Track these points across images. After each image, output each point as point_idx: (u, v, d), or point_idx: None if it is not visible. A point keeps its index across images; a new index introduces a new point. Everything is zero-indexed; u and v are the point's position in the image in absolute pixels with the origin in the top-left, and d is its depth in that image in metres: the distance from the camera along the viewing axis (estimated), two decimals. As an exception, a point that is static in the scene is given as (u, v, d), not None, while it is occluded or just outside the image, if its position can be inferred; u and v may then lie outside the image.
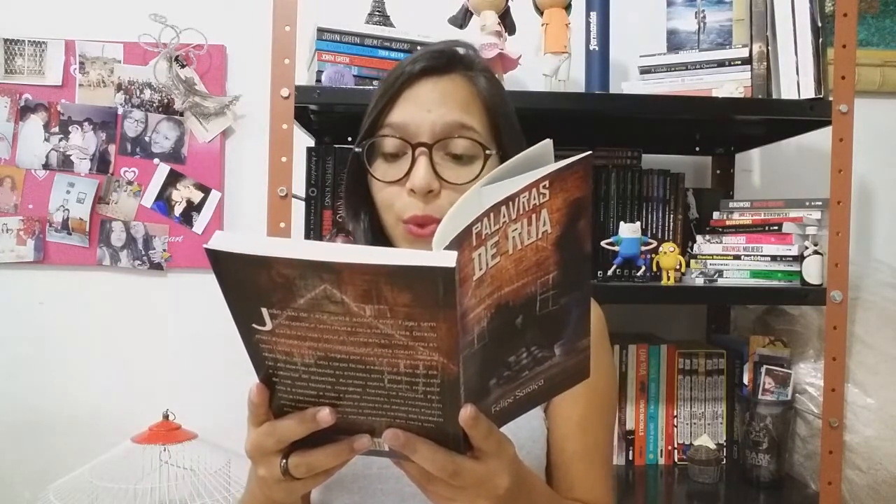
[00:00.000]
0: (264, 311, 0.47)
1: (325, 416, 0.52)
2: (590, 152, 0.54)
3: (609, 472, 0.87)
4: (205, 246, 0.45)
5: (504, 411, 0.57)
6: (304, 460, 0.55)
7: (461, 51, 0.84)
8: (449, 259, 0.43)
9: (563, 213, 0.54)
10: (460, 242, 0.47)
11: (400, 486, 0.79)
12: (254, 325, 0.48)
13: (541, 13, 1.32)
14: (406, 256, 0.44)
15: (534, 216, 0.52)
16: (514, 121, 0.86)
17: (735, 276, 1.35)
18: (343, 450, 0.54)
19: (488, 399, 0.54)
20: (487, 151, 0.80)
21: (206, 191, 1.65)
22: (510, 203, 0.51)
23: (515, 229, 0.51)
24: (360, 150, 0.82)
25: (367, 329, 0.47)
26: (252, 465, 0.60)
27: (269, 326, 0.48)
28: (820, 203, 1.36)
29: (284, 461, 0.56)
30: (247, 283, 0.46)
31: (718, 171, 1.67)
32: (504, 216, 0.50)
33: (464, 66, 0.83)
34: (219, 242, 0.45)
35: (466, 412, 0.51)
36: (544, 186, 0.52)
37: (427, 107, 0.79)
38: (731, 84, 1.29)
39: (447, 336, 0.46)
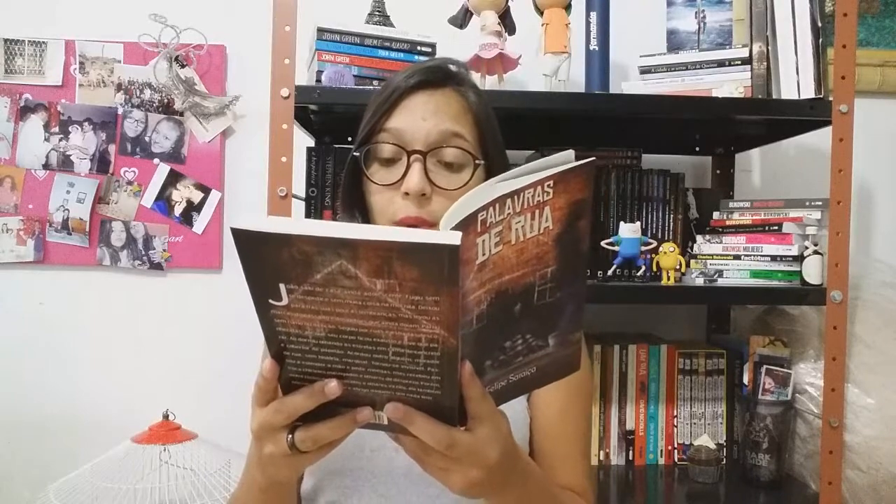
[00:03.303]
0: (282, 286, 0.50)
1: (333, 388, 0.55)
2: (593, 158, 0.58)
3: (588, 458, 0.93)
4: (231, 226, 0.48)
5: (496, 393, 0.61)
6: (310, 434, 0.58)
7: (453, 68, 0.91)
8: (454, 238, 0.46)
9: (564, 211, 0.57)
10: (466, 225, 0.51)
11: (391, 467, 0.84)
12: (270, 301, 0.51)
13: (541, 13, 1.32)
14: (416, 234, 0.47)
15: (537, 212, 0.56)
16: (499, 133, 0.92)
17: (735, 276, 1.35)
18: (346, 422, 0.57)
19: (483, 378, 0.58)
20: (477, 161, 0.86)
21: (206, 191, 1.65)
22: (515, 197, 0.54)
23: (519, 221, 0.55)
24: (358, 154, 0.87)
25: (376, 302, 0.50)
26: (255, 445, 0.63)
27: (285, 301, 0.51)
28: (820, 203, 1.36)
29: (291, 436, 0.59)
30: (269, 261, 0.49)
31: (718, 171, 1.67)
32: (509, 208, 0.54)
33: (456, 82, 0.89)
34: (243, 222, 0.48)
35: (465, 368, 0.54)
36: (549, 185, 0.56)
37: (422, 115, 0.85)
38: (731, 84, 1.29)
39: (449, 311, 0.49)
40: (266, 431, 0.59)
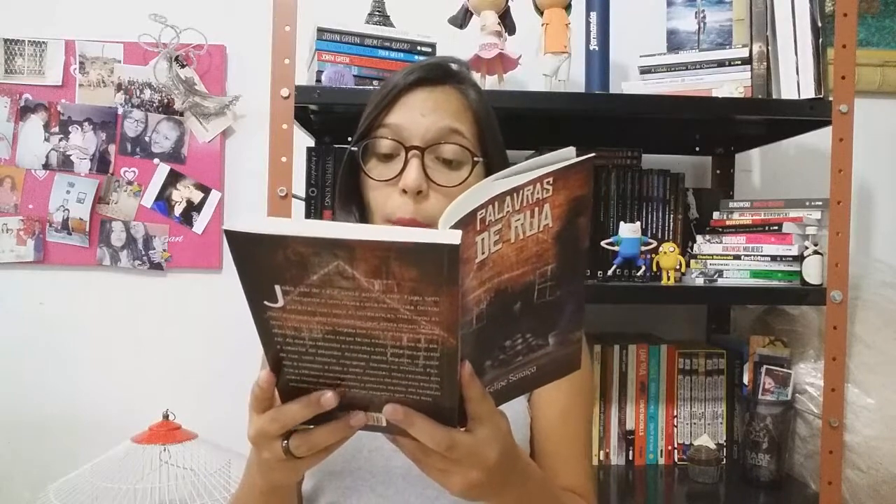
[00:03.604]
0: (277, 288, 0.49)
1: (328, 399, 0.55)
2: (592, 154, 0.57)
3: (590, 459, 0.92)
4: (224, 228, 0.47)
5: (496, 393, 0.60)
6: (305, 440, 0.58)
7: (454, 66, 0.90)
8: (454, 237, 0.45)
9: (564, 209, 0.57)
10: (465, 224, 0.50)
11: (388, 468, 0.84)
12: (265, 303, 0.50)
13: (541, 13, 1.32)
14: (415, 234, 0.46)
15: (537, 209, 0.55)
16: (498, 132, 0.91)
17: (735, 276, 1.35)
18: (340, 427, 0.57)
19: (483, 378, 0.57)
20: (475, 158, 0.85)
21: (206, 191, 1.65)
22: (514, 194, 0.54)
23: (518, 220, 0.55)
24: (356, 149, 0.87)
25: (374, 303, 0.49)
26: (254, 450, 0.63)
27: (280, 303, 0.50)
28: (820, 203, 1.36)
29: (286, 442, 0.59)
30: (264, 262, 0.48)
31: (718, 171, 1.67)
32: (508, 206, 0.54)
33: (456, 80, 0.89)
34: (237, 224, 0.47)
35: (465, 368, 0.54)
36: (548, 182, 0.55)
37: (421, 112, 0.84)
38: (731, 84, 1.29)
39: (449, 311, 0.48)
40: (262, 439, 0.59)
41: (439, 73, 0.87)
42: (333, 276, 0.48)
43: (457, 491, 0.60)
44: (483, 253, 0.53)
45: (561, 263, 0.58)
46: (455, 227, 0.50)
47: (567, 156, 0.58)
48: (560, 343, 0.62)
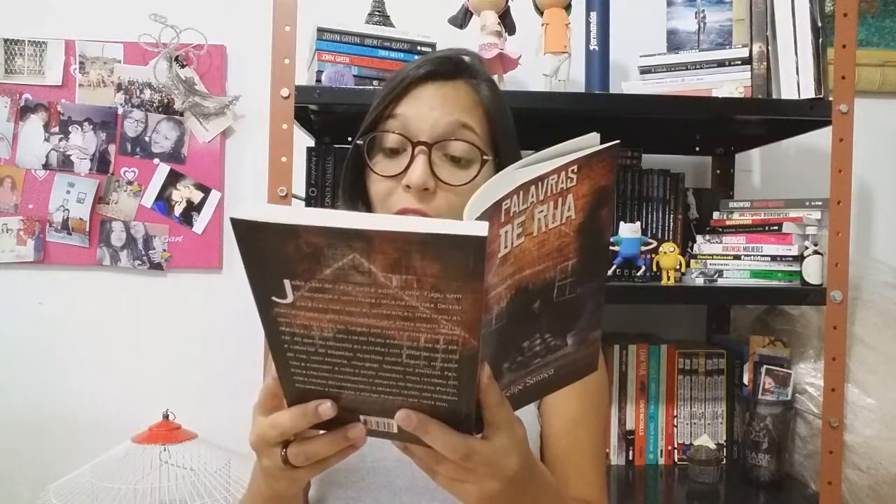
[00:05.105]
0: (287, 282, 0.46)
1: (326, 409, 0.52)
2: (617, 141, 0.54)
3: (602, 468, 0.88)
4: (231, 216, 0.43)
5: (514, 398, 0.57)
6: (302, 449, 0.56)
7: (467, 59, 0.87)
8: (481, 228, 0.42)
9: (587, 199, 0.54)
10: (490, 215, 0.47)
11: (391, 479, 0.81)
12: (273, 298, 0.47)
13: (541, 13, 1.32)
14: (438, 225, 0.42)
15: (560, 200, 0.52)
16: (513, 131, 0.88)
17: (735, 276, 1.35)
18: (338, 439, 0.55)
19: (500, 382, 0.54)
20: (485, 157, 0.81)
21: (206, 191, 1.65)
22: (539, 183, 0.50)
23: (542, 211, 0.51)
24: (362, 142, 0.84)
25: (391, 301, 0.45)
26: (256, 456, 0.61)
27: (289, 299, 0.46)
28: (820, 203, 1.36)
29: (284, 450, 0.57)
30: (272, 254, 0.44)
31: (718, 171, 1.67)
32: (532, 196, 0.50)
33: (468, 75, 0.85)
34: (245, 212, 0.43)
35: (484, 371, 0.51)
36: (573, 171, 0.52)
37: (430, 106, 0.81)
38: (731, 84, 1.29)
39: (471, 309, 0.45)
40: (261, 445, 0.58)
41: (450, 67, 0.84)
42: (348, 270, 0.44)
43: (473, 502, 0.57)
44: (506, 247, 0.49)
45: (582, 259, 0.55)
46: (480, 218, 0.46)
47: (591, 142, 0.54)
48: (579, 343, 0.59)
